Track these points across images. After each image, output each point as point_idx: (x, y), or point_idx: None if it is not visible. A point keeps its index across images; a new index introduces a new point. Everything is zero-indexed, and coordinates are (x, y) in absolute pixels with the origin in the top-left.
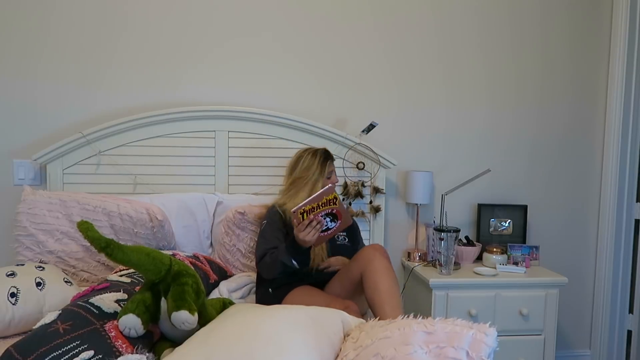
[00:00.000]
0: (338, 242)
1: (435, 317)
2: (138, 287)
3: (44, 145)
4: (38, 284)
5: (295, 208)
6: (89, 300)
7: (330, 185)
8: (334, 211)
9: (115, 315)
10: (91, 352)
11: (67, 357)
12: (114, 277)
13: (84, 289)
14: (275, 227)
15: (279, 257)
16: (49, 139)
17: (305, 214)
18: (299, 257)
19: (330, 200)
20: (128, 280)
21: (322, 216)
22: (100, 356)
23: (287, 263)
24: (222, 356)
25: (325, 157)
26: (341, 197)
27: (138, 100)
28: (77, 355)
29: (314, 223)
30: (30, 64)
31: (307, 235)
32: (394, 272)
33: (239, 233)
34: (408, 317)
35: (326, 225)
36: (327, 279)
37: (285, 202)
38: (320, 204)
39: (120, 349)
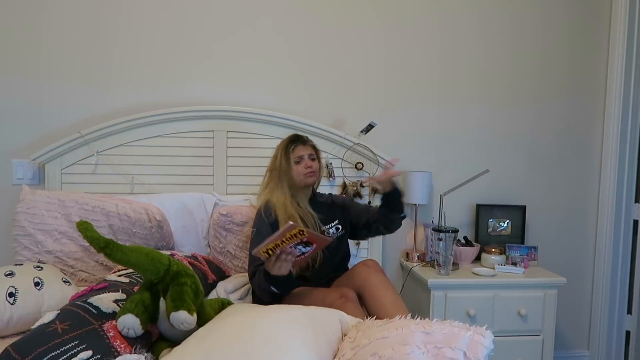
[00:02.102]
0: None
1: (433, 318)
2: (137, 287)
3: (43, 144)
4: (36, 284)
5: (256, 250)
6: (88, 300)
7: (290, 223)
8: (305, 240)
9: (113, 315)
10: (89, 352)
11: (65, 357)
12: (112, 277)
13: (82, 288)
14: (264, 237)
15: (261, 285)
16: (48, 139)
17: (270, 251)
18: (277, 284)
19: (295, 234)
20: (126, 280)
21: (291, 247)
22: (99, 356)
23: (267, 289)
24: (220, 356)
25: (290, 141)
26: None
27: (136, 100)
28: (75, 355)
29: (283, 256)
30: (29, 63)
31: (279, 269)
32: (392, 285)
33: (226, 235)
34: (406, 317)
35: (300, 252)
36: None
37: (267, 199)
38: (284, 239)
39: (119, 349)
